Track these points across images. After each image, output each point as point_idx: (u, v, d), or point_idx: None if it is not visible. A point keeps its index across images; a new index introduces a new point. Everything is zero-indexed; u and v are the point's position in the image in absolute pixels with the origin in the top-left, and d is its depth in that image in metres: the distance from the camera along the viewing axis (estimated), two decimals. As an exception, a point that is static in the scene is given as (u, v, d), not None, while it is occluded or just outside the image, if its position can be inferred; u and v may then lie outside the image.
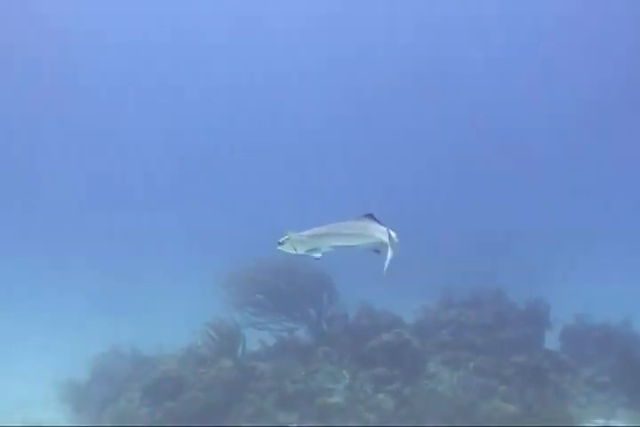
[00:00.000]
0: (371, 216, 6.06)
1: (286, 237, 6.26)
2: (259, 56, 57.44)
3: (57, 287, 30.62)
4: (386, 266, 5.71)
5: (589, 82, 51.30)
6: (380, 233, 5.92)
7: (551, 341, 16.96)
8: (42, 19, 49.51)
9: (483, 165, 51.47)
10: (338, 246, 6.27)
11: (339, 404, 12.18)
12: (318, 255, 6.33)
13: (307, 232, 6.22)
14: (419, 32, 53.74)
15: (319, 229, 6.22)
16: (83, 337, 22.06)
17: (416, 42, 54.02)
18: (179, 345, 15.15)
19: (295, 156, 54.96)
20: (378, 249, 5.95)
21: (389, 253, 5.75)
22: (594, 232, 42.17)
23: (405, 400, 12.36)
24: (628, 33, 48.28)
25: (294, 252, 6.31)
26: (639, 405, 13.59)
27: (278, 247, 6.32)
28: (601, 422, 13.31)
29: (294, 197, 48.88)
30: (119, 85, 56.79)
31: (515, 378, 12.88)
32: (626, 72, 49.66)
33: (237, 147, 57.08)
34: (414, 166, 52.45)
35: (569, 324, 17.43)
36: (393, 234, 5.88)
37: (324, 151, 55.62)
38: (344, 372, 13.44)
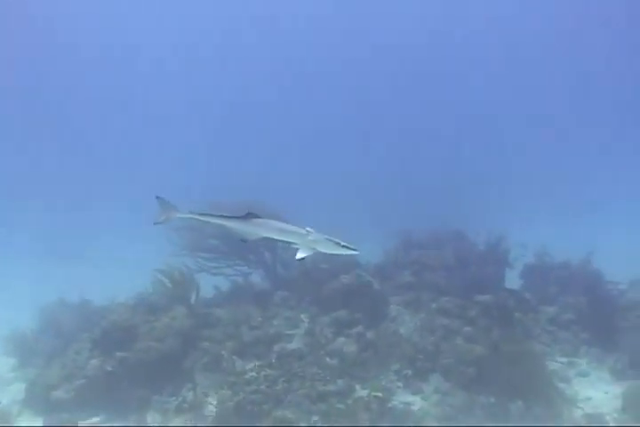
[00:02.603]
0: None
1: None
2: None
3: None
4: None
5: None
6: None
7: (512, 280, 16.74)
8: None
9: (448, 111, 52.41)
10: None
11: (298, 350, 11.68)
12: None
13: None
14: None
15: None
16: (29, 286, 21.30)
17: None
18: (129, 293, 14.45)
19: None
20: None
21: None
22: (553, 175, 42.81)
23: (368, 344, 11.93)
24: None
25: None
26: (602, 342, 13.46)
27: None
28: (565, 360, 13.16)
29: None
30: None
31: (479, 318, 12.51)
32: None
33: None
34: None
35: (530, 263, 17.19)
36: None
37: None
38: (303, 316, 12.96)
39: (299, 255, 7.01)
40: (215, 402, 10.46)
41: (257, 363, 11.34)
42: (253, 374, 10.75)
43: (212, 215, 7.23)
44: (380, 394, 10.47)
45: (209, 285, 14.84)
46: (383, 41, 53.95)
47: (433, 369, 11.70)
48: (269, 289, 14.36)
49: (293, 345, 11.96)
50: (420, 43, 53.57)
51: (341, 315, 12.60)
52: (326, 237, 6.98)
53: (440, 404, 10.76)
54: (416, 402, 11.00)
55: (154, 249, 16.36)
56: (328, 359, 11.57)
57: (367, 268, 14.69)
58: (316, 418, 9.67)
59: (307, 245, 7.00)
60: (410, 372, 11.65)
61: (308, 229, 7.03)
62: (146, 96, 56.23)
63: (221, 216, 7.15)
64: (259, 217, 7.00)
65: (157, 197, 7.27)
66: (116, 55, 53.60)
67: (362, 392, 10.68)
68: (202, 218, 7.26)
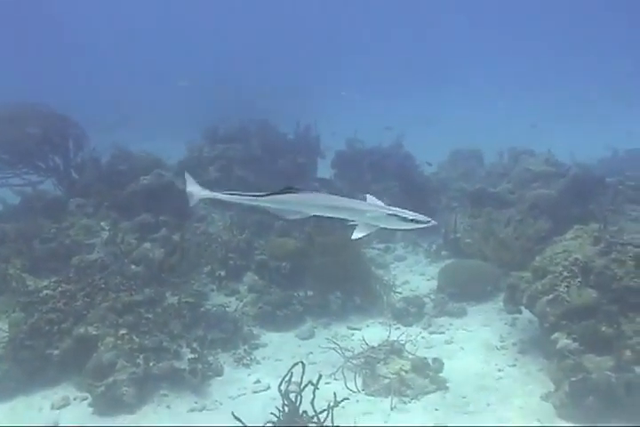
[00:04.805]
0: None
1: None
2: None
3: None
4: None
5: None
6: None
7: (324, 169, 16.46)
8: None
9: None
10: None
11: (100, 260, 10.66)
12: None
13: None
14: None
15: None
16: None
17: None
18: None
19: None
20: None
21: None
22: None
23: (176, 247, 11.13)
24: None
25: None
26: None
27: None
28: (381, 246, 13.15)
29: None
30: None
31: (292, 211, 12.06)
32: None
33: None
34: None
35: (341, 150, 16.91)
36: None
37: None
38: (103, 224, 11.87)
39: (354, 235, 5.73)
40: (6, 327, 9.34)
41: (52, 279, 10.23)
42: (49, 291, 9.65)
43: (240, 195, 5.77)
44: (191, 299, 9.81)
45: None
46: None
47: (247, 267, 11.23)
48: (63, 197, 13.04)
49: (94, 256, 10.89)
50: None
51: (144, 219, 11.68)
52: (390, 211, 5.69)
53: (256, 302, 10.34)
54: (231, 303, 10.52)
55: None
56: (133, 267, 10.68)
57: (170, 166, 13.70)
58: (123, 331, 8.83)
59: (366, 222, 5.74)
60: (222, 273, 11.10)
61: (368, 195, 6.00)
62: None
63: (253, 195, 5.74)
64: (299, 191, 5.70)
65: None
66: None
67: (172, 299, 9.94)
68: (229, 199, 5.90)
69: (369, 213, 5.62)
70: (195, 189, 6.06)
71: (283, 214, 5.75)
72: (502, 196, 13.13)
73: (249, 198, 5.77)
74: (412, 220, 5.63)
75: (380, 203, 5.81)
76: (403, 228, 5.77)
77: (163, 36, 53.35)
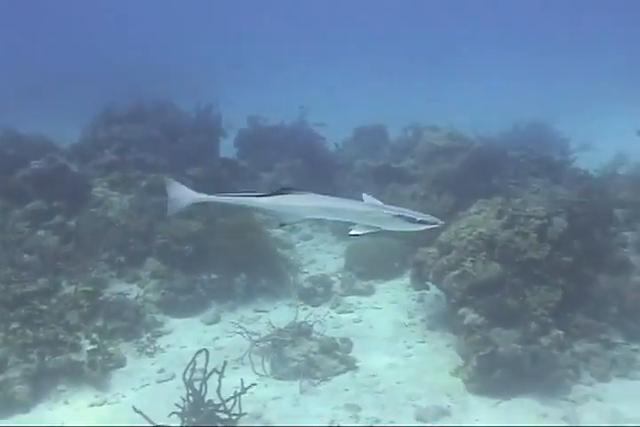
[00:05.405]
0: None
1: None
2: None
3: None
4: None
5: None
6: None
7: (227, 148, 16.09)
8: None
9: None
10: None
11: (-12, 250, 10.07)
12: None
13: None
14: None
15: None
16: None
17: None
18: None
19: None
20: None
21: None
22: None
23: (71, 234, 10.61)
24: None
25: None
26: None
27: None
28: (287, 226, 12.96)
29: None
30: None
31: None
32: None
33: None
34: None
35: (243, 128, 16.58)
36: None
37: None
38: (-10, 212, 11.20)
39: (352, 232, 5.22)
40: None
41: None
42: None
43: (237, 196, 5.07)
44: (89, 288, 9.35)
45: None
46: None
47: (148, 252, 10.82)
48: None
49: (-19, 246, 10.27)
50: None
51: (37, 205, 11.06)
52: (395, 213, 5.12)
53: (159, 288, 9.99)
54: (132, 290, 10.10)
55: None
56: (26, 257, 10.11)
57: (63, 150, 13.04)
58: (15, 325, 8.33)
59: (368, 224, 5.21)
60: (122, 259, 10.65)
61: (364, 194, 5.42)
62: None
63: (249, 196, 5.04)
64: (296, 191, 5.17)
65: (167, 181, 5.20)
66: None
67: (69, 289, 9.46)
68: (225, 200, 5.19)
69: (372, 214, 5.13)
70: (184, 194, 5.51)
71: (280, 216, 5.38)
72: (406, 171, 13.07)
73: (246, 200, 5.24)
74: (419, 221, 5.12)
75: (378, 202, 5.26)
76: (409, 229, 5.22)
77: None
